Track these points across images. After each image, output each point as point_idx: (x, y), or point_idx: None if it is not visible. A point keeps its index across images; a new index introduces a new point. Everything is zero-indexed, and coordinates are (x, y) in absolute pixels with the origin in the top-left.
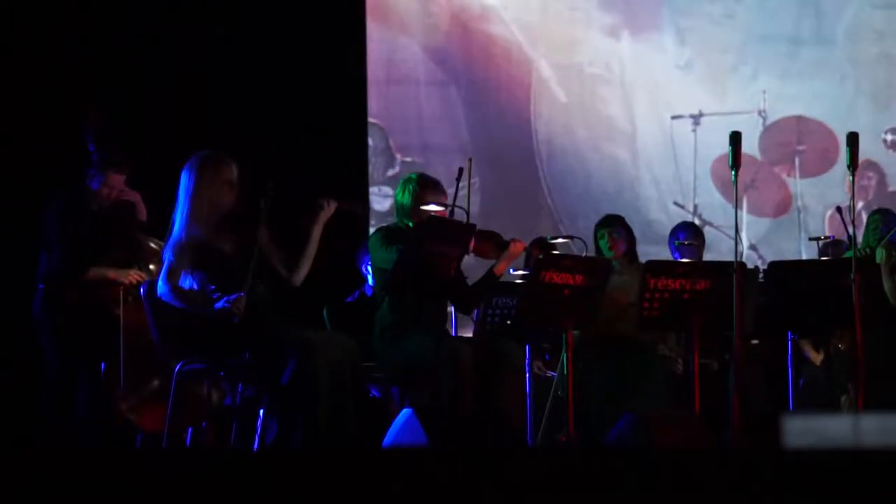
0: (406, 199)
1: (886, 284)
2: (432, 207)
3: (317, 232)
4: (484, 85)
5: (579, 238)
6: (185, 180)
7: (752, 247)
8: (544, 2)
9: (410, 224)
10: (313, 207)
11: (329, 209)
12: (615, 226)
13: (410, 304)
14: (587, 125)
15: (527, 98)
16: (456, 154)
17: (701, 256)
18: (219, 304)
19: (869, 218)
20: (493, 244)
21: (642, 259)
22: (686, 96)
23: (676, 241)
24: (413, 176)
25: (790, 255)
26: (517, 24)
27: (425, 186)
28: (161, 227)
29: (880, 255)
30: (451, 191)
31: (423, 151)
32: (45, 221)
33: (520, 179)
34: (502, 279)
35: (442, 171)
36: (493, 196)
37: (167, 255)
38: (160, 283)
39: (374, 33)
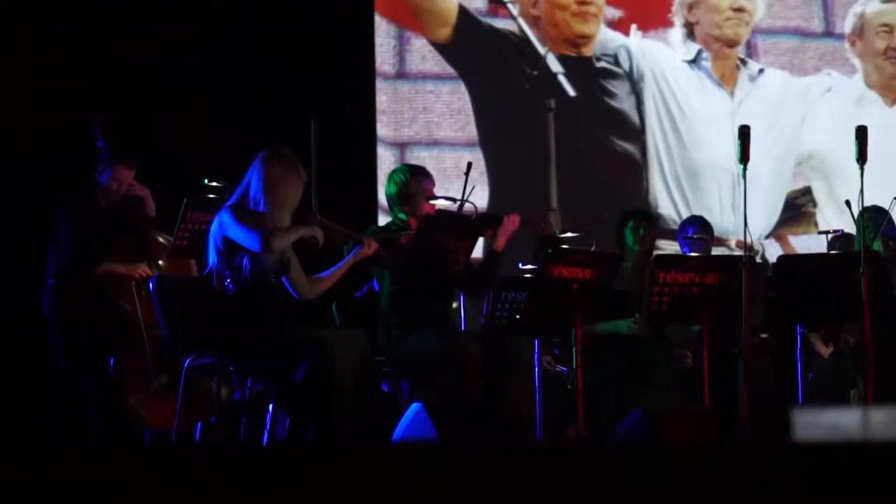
0: (392, 188)
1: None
2: (441, 202)
3: (347, 265)
4: (492, 79)
5: (587, 232)
6: (263, 169)
7: (760, 241)
8: None
9: (402, 216)
10: (356, 242)
11: (368, 251)
12: (652, 222)
13: (417, 300)
14: (596, 119)
15: (535, 92)
16: (465, 148)
17: (710, 251)
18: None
19: (858, 217)
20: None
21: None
22: (694, 90)
23: (685, 236)
24: (399, 167)
25: (800, 250)
26: (525, 18)
27: (410, 173)
28: (170, 223)
29: (878, 247)
30: (459, 185)
31: (432, 146)
32: (54, 217)
33: (528, 173)
34: (512, 273)
35: (451, 166)
36: (501, 190)
37: (242, 226)
38: (248, 238)
39: (382, 26)
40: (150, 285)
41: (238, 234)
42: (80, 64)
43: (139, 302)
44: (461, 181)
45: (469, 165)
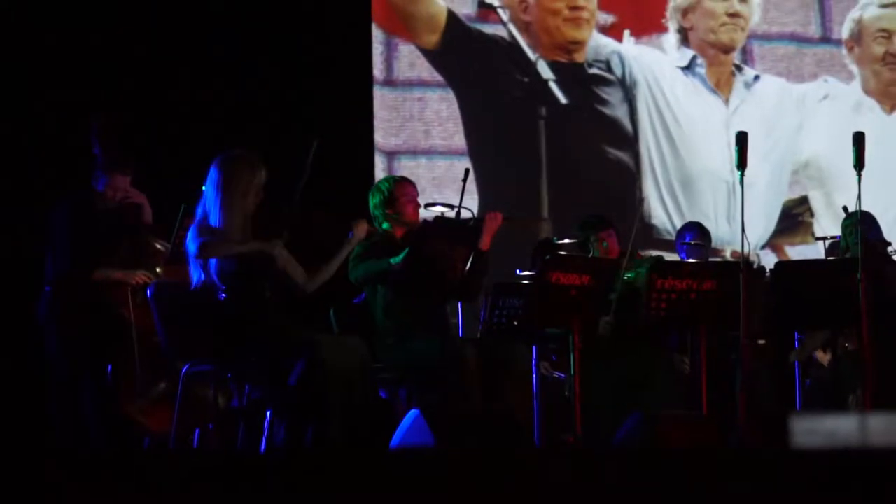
0: (376, 197)
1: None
2: (439, 208)
3: (344, 252)
4: (482, 86)
5: (579, 238)
6: (217, 175)
7: (756, 252)
8: (544, 1)
9: (386, 225)
10: (348, 227)
11: (361, 232)
12: (611, 227)
13: (414, 307)
14: (588, 127)
15: (526, 99)
16: (454, 157)
17: (707, 257)
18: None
19: (843, 222)
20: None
21: None
22: (689, 97)
23: (683, 242)
24: (380, 179)
25: (797, 257)
26: (516, 23)
27: (392, 180)
28: (167, 229)
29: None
30: (447, 194)
31: (420, 155)
32: (50, 223)
33: (519, 182)
34: (510, 280)
35: (440, 175)
36: (491, 199)
37: (194, 234)
38: (190, 243)
39: (373, 33)
40: (148, 292)
41: (188, 243)
42: (79, 70)
43: (136, 309)
44: (450, 190)
45: (467, 172)
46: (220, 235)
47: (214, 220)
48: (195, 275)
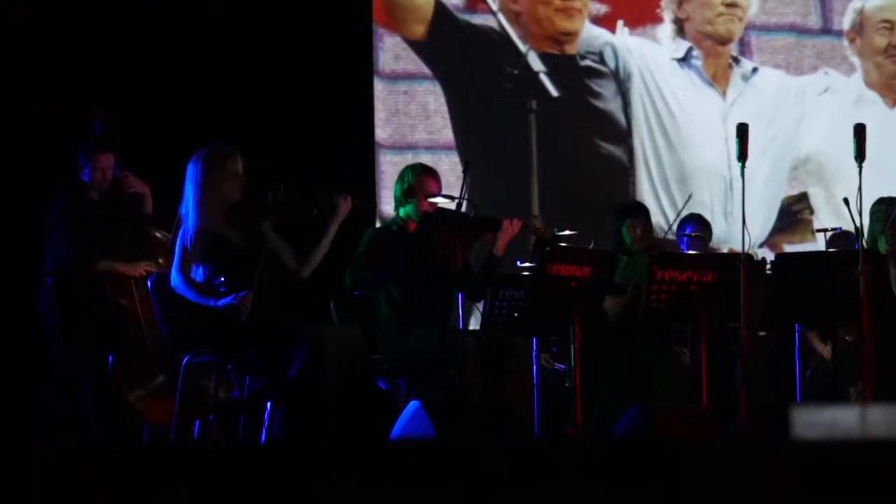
0: (399, 185)
1: (893, 273)
2: (440, 200)
3: (333, 229)
4: (470, 79)
5: (579, 230)
6: (193, 172)
7: (754, 250)
8: None
9: (402, 214)
10: (331, 203)
11: (346, 207)
12: (647, 217)
13: (415, 298)
14: (580, 121)
15: (516, 92)
16: (441, 152)
17: (708, 249)
18: (225, 300)
19: (872, 208)
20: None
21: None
22: (684, 90)
23: (684, 234)
24: (409, 165)
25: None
26: (506, 14)
27: (416, 171)
28: (168, 219)
29: (881, 244)
30: (450, 183)
31: (405, 150)
32: (48, 215)
33: (508, 178)
34: (509, 271)
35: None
36: (485, 192)
37: (179, 246)
38: (173, 272)
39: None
40: (149, 283)
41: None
42: (79, 61)
43: (138, 299)
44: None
45: (467, 163)
46: (195, 250)
47: (192, 220)
48: (198, 274)
